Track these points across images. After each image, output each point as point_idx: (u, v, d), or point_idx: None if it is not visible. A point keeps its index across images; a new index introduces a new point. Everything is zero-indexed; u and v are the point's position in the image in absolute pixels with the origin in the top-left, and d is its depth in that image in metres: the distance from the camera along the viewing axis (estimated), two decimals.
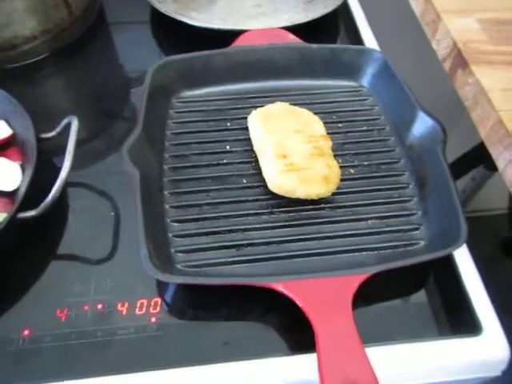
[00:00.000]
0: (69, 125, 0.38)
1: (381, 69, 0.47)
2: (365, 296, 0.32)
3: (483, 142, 0.49)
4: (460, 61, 0.38)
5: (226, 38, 0.50)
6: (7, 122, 0.42)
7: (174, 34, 0.55)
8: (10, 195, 0.38)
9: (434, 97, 0.49)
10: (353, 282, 0.31)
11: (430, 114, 0.41)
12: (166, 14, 0.53)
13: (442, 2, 0.43)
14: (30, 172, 0.37)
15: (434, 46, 0.42)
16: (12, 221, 0.34)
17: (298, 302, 0.30)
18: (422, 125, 0.42)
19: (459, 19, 0.41)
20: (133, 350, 0.33)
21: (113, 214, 0.40)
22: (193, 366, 0.32)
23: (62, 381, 0.31)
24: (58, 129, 0.39)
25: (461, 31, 0.40)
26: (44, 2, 0.49)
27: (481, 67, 0.37)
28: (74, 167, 0.37)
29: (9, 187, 0.38)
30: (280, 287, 0.31)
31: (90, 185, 0.43)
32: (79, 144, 0.38)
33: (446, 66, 0.41)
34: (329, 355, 0.28)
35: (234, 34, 0.50)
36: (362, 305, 0.34)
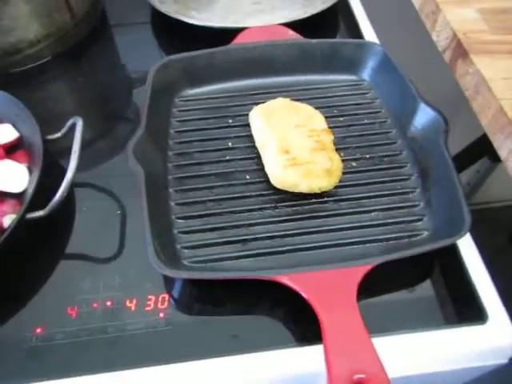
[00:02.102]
0: (74, 125, 0.39)
1: (381, 62, 0.47)
2: (370, 287, 0.33)
3: (485, 132, 0.49)
4: (460, 51, 0.38)
5: (226, 35, 0.50)
6: (14, 125, 0.42)
7: (175, 34, 0.56)
8: (18, 197, 0.38)
9: (434, 89, 0.49)
10: (357, 272, 0.31)
11: (431, 105, 0.42)
12: (167, 14, 0.54)
13: None
14: (37, 173, 0.38)
15: (434, 37, 0.42)
16: (21, 221, 0.35)
17: (304, 294, 0.30)
18: (423, 116, 0.42)
19: (458, 9, 0.41)
20: (143, 345, 0.33)
21: (119, 212, 0.41)
22: (203, 359, 0.32)
23: (75, 376, 0.32)
24: (64, 130, 0.40)
25: (460, 21, 0.40)
26: (47, 6, 0.49)
27: (481, 57, 0.37)
28: (79, 168, 0.38)
29: (17, 189, 0.38)
30: (285, 280, 0.31)
31: (96, 185, 0.43)
32: (84, 145, 0.39)
33: (447, 56, 0.41)
34: (335, 346, 0.28)
35: (234, 32, 0.50)
36: (368, 296, 0.35)
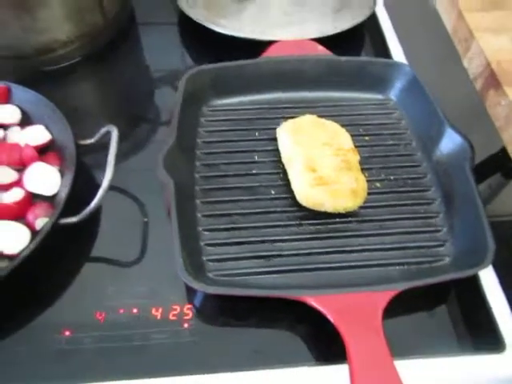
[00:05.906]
0: (107, 133, 0.39)
1: (409, 83, 0.47)
2: (388, 310, 0.33)
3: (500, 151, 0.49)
4: (493, 81, 0.39)
5: (253, 45, 0.51)
6: (46, 127, 0.43)
7: (201, 38, 0.56)
8: (49, 200, 0.39)
9: (455, 109, 0.49)
10: (383, 297, 0.32)
11: (458, 131, 0.42)
12: (197, 20, 0.54)
13: (475, 19, 0.43)
14: (69, 177, 0.38)
15: (466, 63, 0.42)
16: (54, 227, 0.35)
17: (330, 317, 0.31)
18: (450, 141, 0.42)
19: (493, 38, 0.41)
20: (166, 355, 0.34)
21: (146, 220, 0.41)
22: (224, 372, 0.33)
23: (100, 382, 0.33)
24: (97, 137, 0.40)
25: (494, 50, 0.40)
26: (80, 7, 0.50)
27: None
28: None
29: (49, 192, 0.39)
30: (311, 301, 0.32)
31: (121, 187, 0.44)
32: (107, 146, 0.38)
33: (478, 84, 0.41)
34: (361, 372, 0.29)
35: (262, 43, 0.51)
36: (386, 318, 0.35)
